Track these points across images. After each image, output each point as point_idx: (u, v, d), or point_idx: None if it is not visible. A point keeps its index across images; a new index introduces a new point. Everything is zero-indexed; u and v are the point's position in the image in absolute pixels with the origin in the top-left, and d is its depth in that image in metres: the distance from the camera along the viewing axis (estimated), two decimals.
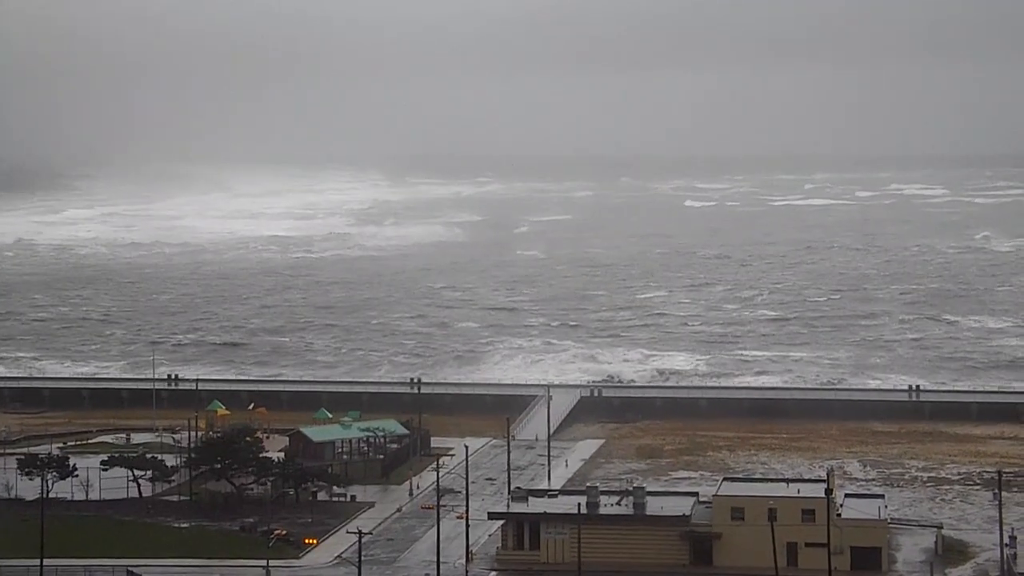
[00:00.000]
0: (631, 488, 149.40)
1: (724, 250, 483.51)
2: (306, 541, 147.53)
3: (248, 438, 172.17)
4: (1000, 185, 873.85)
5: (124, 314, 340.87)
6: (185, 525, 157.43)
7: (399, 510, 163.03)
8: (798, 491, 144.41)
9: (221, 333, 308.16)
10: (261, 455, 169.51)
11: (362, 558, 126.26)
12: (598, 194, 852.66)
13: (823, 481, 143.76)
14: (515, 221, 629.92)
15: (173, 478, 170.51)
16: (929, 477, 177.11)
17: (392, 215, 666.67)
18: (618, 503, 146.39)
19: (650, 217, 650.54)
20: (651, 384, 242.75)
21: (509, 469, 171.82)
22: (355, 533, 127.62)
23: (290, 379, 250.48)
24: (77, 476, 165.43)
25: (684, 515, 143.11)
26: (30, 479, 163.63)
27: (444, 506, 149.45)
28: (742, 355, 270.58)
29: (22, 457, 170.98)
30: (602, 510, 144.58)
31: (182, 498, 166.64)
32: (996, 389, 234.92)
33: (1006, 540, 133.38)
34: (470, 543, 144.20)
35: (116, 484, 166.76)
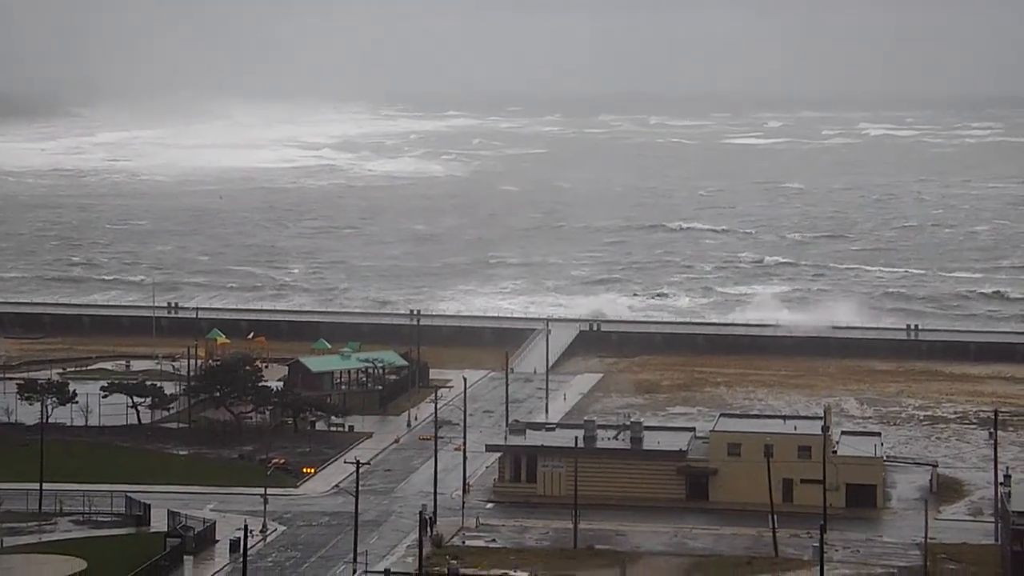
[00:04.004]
0: (628, 422, 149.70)
1: (690, 188, 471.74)
2: (304, 470, 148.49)
3: (247, 367, 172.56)
4: (976, 127, 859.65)
5: None
6: (184, 452, 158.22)
7: (397, 441, 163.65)
8: (795, 428, 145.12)
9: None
10: (260, 384, 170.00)
11: (359, 488, 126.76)
12: (566, 130, 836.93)
13: (820, 418, 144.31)
14: (488, 156, 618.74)
15: (172, 406, 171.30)
16: (925, 416, 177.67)
17: (355, 151, 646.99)
18: (615, 437, 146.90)
19: (609, 154, 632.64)
20: (650, 320, 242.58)
21: (507, 402, 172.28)
22: (353, 463, 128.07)
23: (290, 309, 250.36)
24: (77, 402, 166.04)
25: (681, 450, 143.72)
26: (30, 404, 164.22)
27: (442, 438, 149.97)
28: (735, 292, 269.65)
29: (22, 382, 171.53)
30: (599, 444, 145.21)
31: (181, 425, 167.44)
32: (994, 329, 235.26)
33: (1000, 479, 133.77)
34: (467, 475, 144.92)
35: (115, 411, 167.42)
